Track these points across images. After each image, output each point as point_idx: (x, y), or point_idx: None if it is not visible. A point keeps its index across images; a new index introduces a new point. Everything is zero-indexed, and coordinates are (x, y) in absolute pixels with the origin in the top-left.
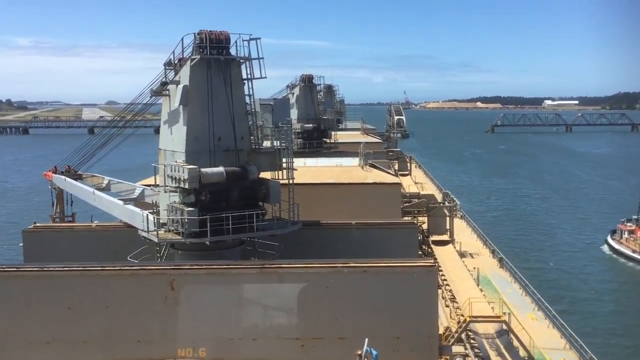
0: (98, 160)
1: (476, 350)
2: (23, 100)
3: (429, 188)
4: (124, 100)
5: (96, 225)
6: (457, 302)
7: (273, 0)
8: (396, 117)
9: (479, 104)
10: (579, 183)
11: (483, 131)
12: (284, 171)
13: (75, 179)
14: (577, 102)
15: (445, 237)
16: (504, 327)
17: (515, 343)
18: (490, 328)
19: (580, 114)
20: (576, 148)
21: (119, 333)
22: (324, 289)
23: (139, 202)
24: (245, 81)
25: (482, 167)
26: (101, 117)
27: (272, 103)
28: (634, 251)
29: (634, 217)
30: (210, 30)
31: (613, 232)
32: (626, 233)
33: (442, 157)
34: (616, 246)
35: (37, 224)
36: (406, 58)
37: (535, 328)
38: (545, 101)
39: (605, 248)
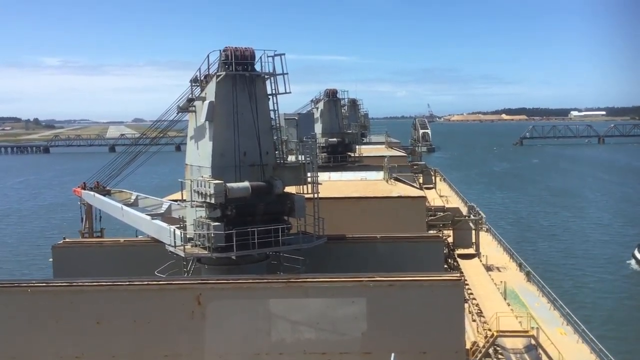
0: (124, 177)
1: None
2: (51, 119)
3: (454, 201)
4: (150, 117)
5: (124, 241)
6: (484, 317)
7: (296, 17)
8: (421, 131)
9: (504, 116)
10: (614, 197)
11: (511, 144)
12: (309, 185)
13: (104, 195)
14: (604, 112)
15: (471, 251)
16: (533, 342)
17: (544, 358)
18: (519, 343)
19: (612, 125)
20: (615, 161)
21: (147, 347)
22: (349, 303)
23: (166, 217)
24: (270, 96)
25: (516, 184)
26: (122, 134)
27: (296, 118)
28: None
29: None
30: (236, 47)
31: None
32: None
33: (472, 174)
34: None
35: (67, 240)
36: (429, 71)
37: (565, 343)
38: (572, 112)
39: (632, 262)
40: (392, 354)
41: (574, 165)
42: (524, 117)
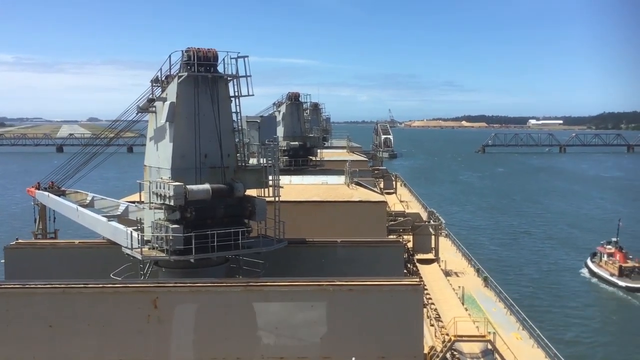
0: (79, 178)
1: None
2: (2, 116)
3: (414, 206)
4: (106, 117)
5: (79, 242)
6: (442, 321)
7: (257, 18)
8: (383, 136)
9: (464, 122)
10: (576, 207)
11: (474, 151)
12: (270, 189)
13: (59, 195)
14: (561, 121)
15: (431, 256)
16: (489, 346)
17: None
18: (476, 347)
19: (574, 134)
20: (580, 171)
21: (102, 352)
22: (309, 307)
23: (123, 218)
24: (233, 98)
25: (486, 195)
26: (71, 134)
27: (258, 120)
28: (612, 274)
29: (613, 239)
30: (198, 48)
31: (593, 255)
32: (605, 256)
33: (437, 183)
34: (595, 269)
35: (20, 241)
36: (390, 77)
37: (520, 347)
38: (530, 120)
39: (584, 271)
40: (353, 358)
41: (538, 174)
42: (483, 124)
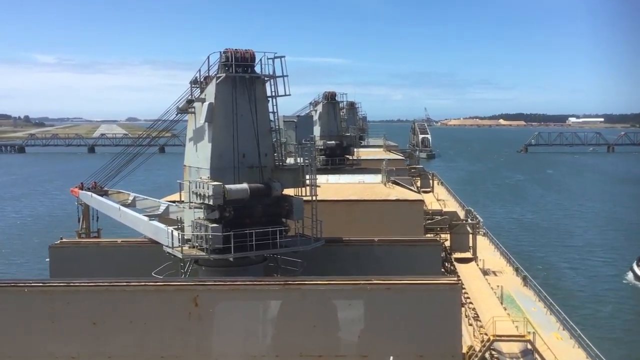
0: (121, 178)
1: None
2: (44, 116)
3: (452, 205)
4: (144, 116)
5: (122, 241)
6: (480, 321)
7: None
8: (421, 136)
9: (501, 121)
10: (628, 210)
11: (516, 151)
12: (307, 188)
13: (101, 195)
14: (602, 119)
15: (468, 255)
16: (529, 346)
17: None
18: (515, 347)
19: (623, 133)
20: (637, 172)
21: (143, 348)
22: (347, 306)
23: (164, 218)
24: (270, 98)
25: (537, 201)
26: (102, 134)
27: (295, 120)
28: None
29: None
30: (236, 49)
31: (639, 260)
32: None
33: (481, 186)
34: None
35: (64, 240)
36: (425, 75)
37: (561, 347)
38: (570, 118)
39: (630, 275)
40: (391, 357)
41: (592, 175)
42: (522, 122)
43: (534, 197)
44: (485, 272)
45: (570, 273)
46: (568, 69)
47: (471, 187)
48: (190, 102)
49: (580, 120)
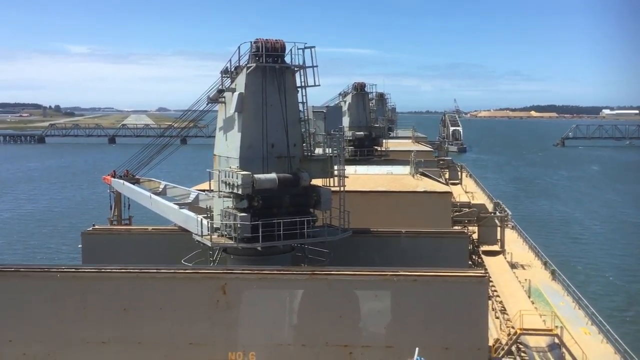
0: (152, 167)
1: None
2: (76, 106)
3: (480, 197)
4: (174, 107)
5: (152, 229)
6: (507, 314)
7: (318, 9)
8: (452, 128)
9: (533, 112)
10: None
11: (552, 144)
12: (335, 178)
13: (133, 183)
14: (637, 111)
15: (496, 248)
16: (556, 340)
17: (568, 357)
18: (542, 341)
19: None
20: None
21: (172, 335)
22: (373, 297)
23: (194, 206)
24: (299, 89)
25: (580, 201)
26: (123, 125)
27: (324, 110)
28: None
29: None
30: (266, 39)
31: None
32: None
33: (524, 186)
34: None
35: (96, 227)
36: (454, 66)
37: (589, 342)
38: (604, 110)
39: None
40: (417, 349)
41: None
42: (554, 114)
43: (580, 196)
44: (513, 266)
45: (600, 268)
46: (601, 60)
47: (514, 188)
48: (220, 91)
49: (614, 112)
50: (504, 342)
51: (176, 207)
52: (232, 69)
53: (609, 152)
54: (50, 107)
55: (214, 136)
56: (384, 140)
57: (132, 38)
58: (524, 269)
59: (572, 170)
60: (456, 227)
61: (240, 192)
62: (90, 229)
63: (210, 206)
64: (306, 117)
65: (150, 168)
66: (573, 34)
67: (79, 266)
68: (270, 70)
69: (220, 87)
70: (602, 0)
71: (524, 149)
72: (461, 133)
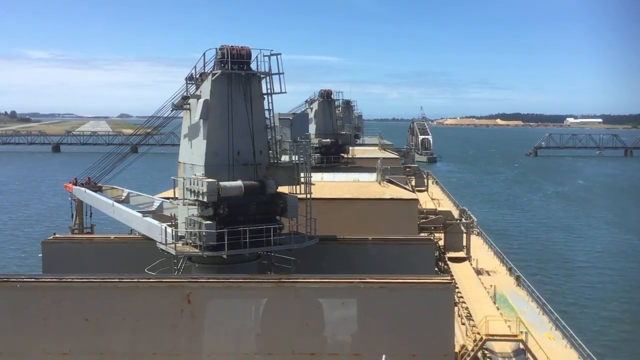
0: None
1: None
2: (35, 112)
3: (446, 204)
4: (137, 113)
5: (115, 237)
6: (473, 320)
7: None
8: (421, 137)
9: (498, 120)
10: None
11: (524, 154)
12: (302, 186)
13: (95, 191)
14: (600, 120)
15: (462, 254)
16: (521, 346)
17: None
18: (507, 347)
19: None
20: None
21: (135, 345)
22: (340, 304)
23: (158, 214)
24: (265, 96)
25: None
26: (68, 132)
27: (291, 118)
28: None
29: None
30: (232, 46)
31: None
32: None
33: (501, 204)
34: None
35: (57, 235)
36: (421, 74)
37: (553, 348)
38: (568, 119)
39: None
40: (384, 356)
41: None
42: (519, 122)
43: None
44: (478, 272)
45: (563, 272)
46: (565, 69)
47: (486, 203)
48: (185, 98)
49: (578, 120)
50: (470, 348)
51: (139, 215)
52: (197, 76)
53: (583, 162)
54: (5, 112)
55: (167, 144)
56: (350, 148)
57: (95, 44)
58: (489, 275)
59: (557, 185)
60: (422, 234)
61: (205, 199)
62: (51, 237)
63: (174, 214)
64: (272, 125)
65: (114, 175)
66: (539, 43)
67: (39, 276)
68: (236, 77)
69: (185, 93)
70: (567, 10)
71: (497, 159)
72: (431, 142)
